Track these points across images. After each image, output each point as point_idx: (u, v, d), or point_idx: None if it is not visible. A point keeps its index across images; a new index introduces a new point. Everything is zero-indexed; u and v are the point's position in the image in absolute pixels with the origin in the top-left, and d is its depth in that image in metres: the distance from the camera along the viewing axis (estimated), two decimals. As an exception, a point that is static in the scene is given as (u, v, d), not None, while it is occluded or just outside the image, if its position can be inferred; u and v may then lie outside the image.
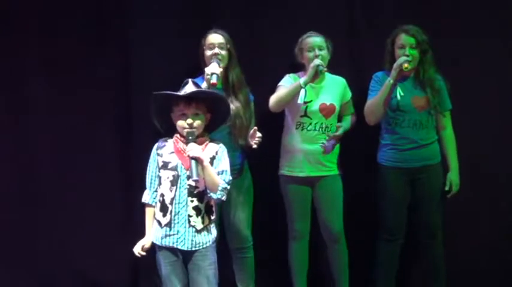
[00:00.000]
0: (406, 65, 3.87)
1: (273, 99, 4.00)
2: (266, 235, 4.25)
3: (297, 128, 4.05)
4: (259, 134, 3.73)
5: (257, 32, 4.31)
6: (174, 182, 3.28)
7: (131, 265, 4.37)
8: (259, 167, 4.15)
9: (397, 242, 4.11)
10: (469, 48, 4.26)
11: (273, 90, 4.07)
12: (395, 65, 3.90)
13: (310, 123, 4.03)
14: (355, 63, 4.34)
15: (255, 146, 3.76)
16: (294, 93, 3.92)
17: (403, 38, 3.96)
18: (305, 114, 4.03)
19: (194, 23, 4.23)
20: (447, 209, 4.13)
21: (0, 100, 4.29)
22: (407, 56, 3.91)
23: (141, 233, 4.29)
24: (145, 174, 4.28)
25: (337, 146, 4.11)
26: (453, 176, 4.08)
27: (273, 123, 4.11)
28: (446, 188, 4.07)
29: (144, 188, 4.27)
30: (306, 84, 3.90)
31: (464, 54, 4.25)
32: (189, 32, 4.21)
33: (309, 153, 4.04)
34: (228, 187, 3.31)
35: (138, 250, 3.38)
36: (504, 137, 4.34)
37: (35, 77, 4.31)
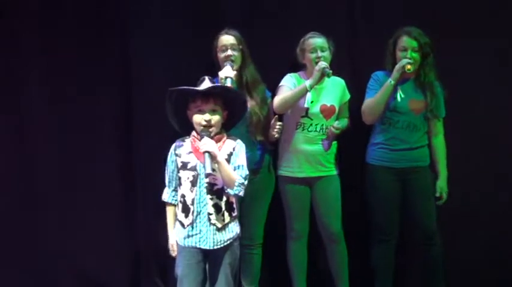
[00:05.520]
0: (408, 66, 3.86)
1: (277, 101, 3.98)
2: (268, 234, 4.24)
3: (297, 129, 4.05)
4: (279, 123, 3.78)
5: (257, 32, 4.29)
6: (194, 182, 3.26)
7: (132, 265, 4.40)
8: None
9: (390, 242, 4.08)
10: (469, 50, 4.25)
11: (273, 88, 4.08)
12: (397, 66, 3.89)
13: (311, 124, 4.03)
14: (354, 64, 4.33)
15: (276, 135, 3.83)
16: (300, 96, 3.92)
17: (406, 41, 3.93)
18: (306, 115, 4.03)
19: (196, 24, 4.24)
20: (447, 209, 4.12)
21: (0, 103, 4.31)
22: (410, 59, 3.89)
23: (142, 234, 4.35)
24: (146, 174, 4.32)
25: (335, 146, 4.10)
26: (442, 184, 4.06)
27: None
28: (437, 195, 4.04)
29: (143, 187, 4.33)
30: (311, 87, 3.89)
31: (465, 56, 4.24)
32: (191, 32, 4.22)
33: (309, 154, 4.03)
34: (246, 182, 3.27)
35: (173, 252, 3.37)
36: (501, 137, 4.34)
37: (35, 77, 4.31)
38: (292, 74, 4.10)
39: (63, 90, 4.30)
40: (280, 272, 4.31)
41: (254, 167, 3.90)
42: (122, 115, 4.37)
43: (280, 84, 4.05)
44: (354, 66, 4.33)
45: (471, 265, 4.33)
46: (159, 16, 4.29)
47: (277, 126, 3.84)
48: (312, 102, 4.00)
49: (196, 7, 4.29)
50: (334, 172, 4.11)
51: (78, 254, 4.33)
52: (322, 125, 4.04)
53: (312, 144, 4.04)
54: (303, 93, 3.91)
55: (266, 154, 4.05)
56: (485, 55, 4.27)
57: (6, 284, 4.27)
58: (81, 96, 4.31)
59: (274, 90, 4.09)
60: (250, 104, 3.86)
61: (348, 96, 4.16)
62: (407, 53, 3.92)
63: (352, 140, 4.15)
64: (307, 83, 3.89)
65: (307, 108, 4.01)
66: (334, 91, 4.10)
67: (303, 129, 4.04)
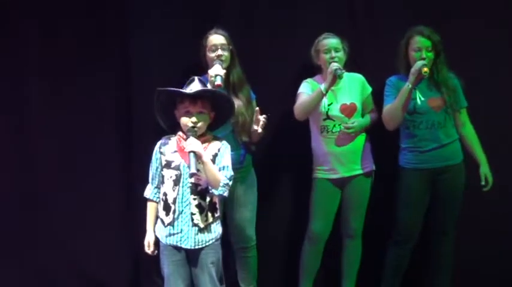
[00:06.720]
0: (425, 69, 3.78)
1: (297, 108, 3.99)
2: (269, 235, 4.26)
3: (322, 132, 4.04)
4: (263, 116, 3.73)
5: (257, 32, 4.30)
6: (177, 181, 3.27)
7: (132, 264, 4.40)
8: (264, 166, 4.15)
9: (408, 245, 4.07)
10: (470, 47, 4.25)
11: (275, 89, 4.10)
12: (413, 70, 3.82)
13: (334, 125, 4.01)
14: (357, 67, 4.33)
15: (259, 130, 3.76)
16: (318, 101, 3.93)
17: (419, 41, 3.89)
18: (328, 117, 4.01)
19: (195, 22, 4.23)
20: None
21: (0, 103, 4.31)
22: (424, 59, 3.85)
23: (142, 234, 4.33)
24: (146, 174, 4.30)
25: (362, 141, 4.07)
26: (485, 170, 4.00)
27: (277, 123, 4.14)
28: (482, 183, 3.99)
29: (143, 187, 4.32)
30: (327, 90, 3.89)
31: (465, 54, 4.24)
32: (191, 32, 4.21)
33: (339, 154, 4.02)
34: (230, 183, 3.28)
35: (148, 249, 3.39)
36: (501, 137, 4.33)
37: (35, 77, 4.31)
38: (308, 80, 4.10)
39: (63, 90, 4.30)
40: (280, 271, 4.32)
41: (238, 166, 3.84)
42: (122, 115, 4.37)
43: (298, 92, 4.05)
44: (356, 69, 4.32)
45: (472, 265, 4.33)
46: (159, 16, 4.29)
47: (262, 120, 3.75)
48: (330, 104, 4.00)
49: (196, 7, 4.29)
50: (368, 169, 4.09)
51: (78, 254, 4.33)
52: (346, 124, 4.02)
53: (339, 145, 4.02)
54: (320, 98, 3.92)
55: (248, 154, 4.03)
56: (485, 55, 4.27)
57: (6, 284, 4.27)
58: (81, 96, 4.31)
59: (276, 91, 4.11)
60: (237, 104, 3.82)
61: (369, 89, 4.13)
62: (422, 53, 3.88)
63: (375, 143, 4.15)
64: (322, 87, 3.89)
65: (328, 110, 3.99)
66: (352, 88, 4.09)
67: (328, 132, 4.03)
